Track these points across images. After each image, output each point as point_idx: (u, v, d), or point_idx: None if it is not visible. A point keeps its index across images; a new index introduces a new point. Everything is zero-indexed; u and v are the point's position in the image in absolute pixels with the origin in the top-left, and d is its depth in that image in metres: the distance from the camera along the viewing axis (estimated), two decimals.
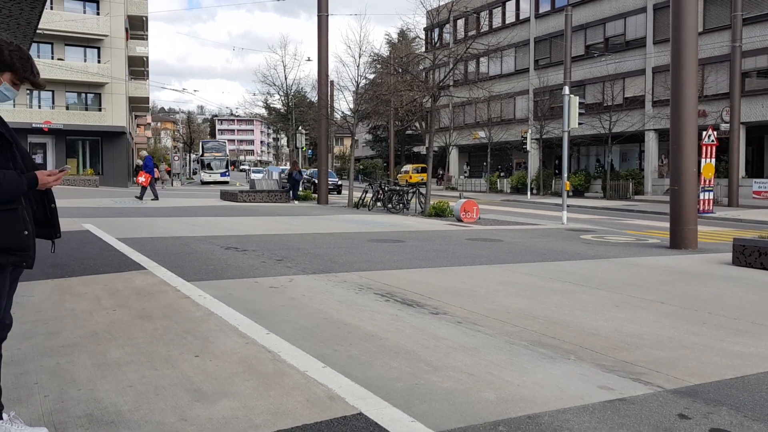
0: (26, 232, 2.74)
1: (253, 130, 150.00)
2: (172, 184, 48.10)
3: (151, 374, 3.75)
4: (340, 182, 39.70)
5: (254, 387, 3.55)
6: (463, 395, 3.62)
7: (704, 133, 20.89)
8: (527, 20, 42.39)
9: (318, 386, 3.57)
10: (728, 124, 27.30)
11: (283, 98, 60.67)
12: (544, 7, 41.18)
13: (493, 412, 3.36)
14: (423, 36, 50.31)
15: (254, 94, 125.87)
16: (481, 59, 39.47)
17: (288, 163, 34.03)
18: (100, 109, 41.19)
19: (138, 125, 70.91)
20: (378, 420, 3.12)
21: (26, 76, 2.83)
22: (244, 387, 3.55)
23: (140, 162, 56.00)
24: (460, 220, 16.71)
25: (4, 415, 2.86)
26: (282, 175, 34.08)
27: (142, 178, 23.89)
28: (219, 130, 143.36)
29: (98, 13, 40.60)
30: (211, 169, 56.25)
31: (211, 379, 3.67)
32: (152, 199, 23.63)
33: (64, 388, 3.50)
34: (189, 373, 3.77)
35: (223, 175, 55.83)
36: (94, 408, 3.22)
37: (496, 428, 3.16)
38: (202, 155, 58.71)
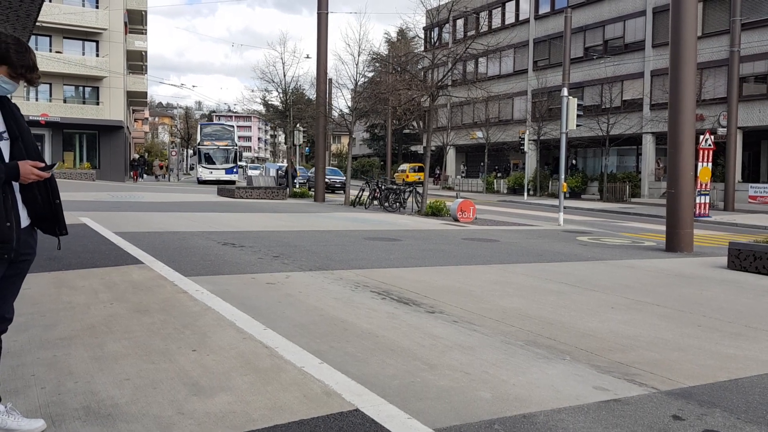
0: (8, 224, 2.61)
1: (250, 127, 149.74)
2: (169, 179, 48.00)
3: (149, 368, 3.75)
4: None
5: (251, 382, 3.56)
6: (459, 393, 3.64)
7: (701, 137, 20.95)
8: (527, 21, 42.42)
9: (315, 382, 3.58)
10: (725, 129, 27.39)
11: (281, 95, 60.56)
12: (544, 9, 41.21)
13: (489, 411, 3.38)
14: (422, 35, 50.26)
15: (252, 91, 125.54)
16: (480, 59, 39.47)
17: (285, 160, 34.63)
18: (97, 103, 41.10)
19: (135, 120, 70.75)
20: (374, 416, 3.13)
21: (22, 72, 2.73)
22: (241, 382, 3.56)
23: (136, 156, 55.29)
24: (456, 220, 16.73)
25: (1, 407, 2.86)
26: (279, 171, 34.44)
27: None
28: None
29: (97, 7, 40.51)
30: (212, 162, 41.36)
31: (208, 374, 3.68)
32: None
33: (61, 381, 3.50)
34: (186, 367, 3.78)
35: (228, 171, 41.09)
36: (91, 400, 3.23)
37: (491, 427, 3.18)
38: (199, 144, 42.45)
